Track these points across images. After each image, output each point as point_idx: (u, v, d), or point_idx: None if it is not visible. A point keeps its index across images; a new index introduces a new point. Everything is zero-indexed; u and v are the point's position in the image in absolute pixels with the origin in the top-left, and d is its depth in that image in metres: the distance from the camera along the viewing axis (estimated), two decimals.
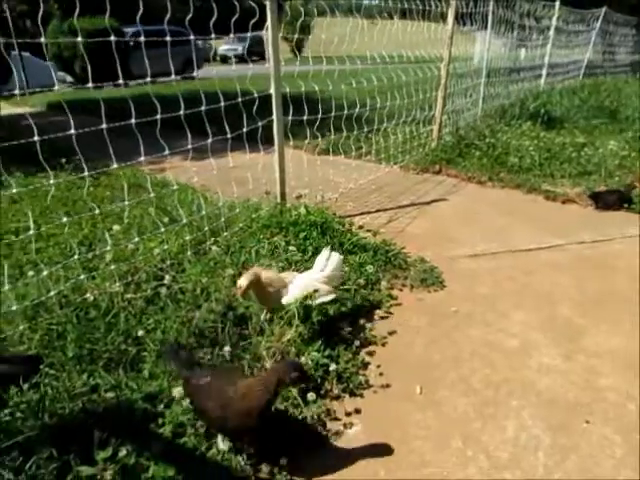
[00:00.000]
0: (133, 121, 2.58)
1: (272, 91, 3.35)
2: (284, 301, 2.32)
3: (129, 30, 16.08)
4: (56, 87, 6.04)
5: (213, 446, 1.69)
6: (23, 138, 2.14)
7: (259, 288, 2.25)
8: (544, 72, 9.10)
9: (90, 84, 2.45)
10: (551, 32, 8.57)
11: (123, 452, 1.60)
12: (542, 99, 7.57)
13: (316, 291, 2.34)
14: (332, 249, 3.10)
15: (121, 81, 2.61)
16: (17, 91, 2.54)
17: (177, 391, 1.87)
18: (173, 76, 3.20)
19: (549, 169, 5.00)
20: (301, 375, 1.61)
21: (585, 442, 1.86)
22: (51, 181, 2.41)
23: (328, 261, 2.43)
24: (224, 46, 27.74)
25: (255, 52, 22.72)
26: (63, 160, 5.36)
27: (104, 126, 2.49)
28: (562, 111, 7.21)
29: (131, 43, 13.97)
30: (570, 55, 10.67)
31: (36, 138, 2.22)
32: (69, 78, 18.20)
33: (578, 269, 3.20)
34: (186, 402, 1.83)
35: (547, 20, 8.44)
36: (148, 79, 3.00)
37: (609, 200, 4.14)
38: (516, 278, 3.10)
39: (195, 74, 15.61)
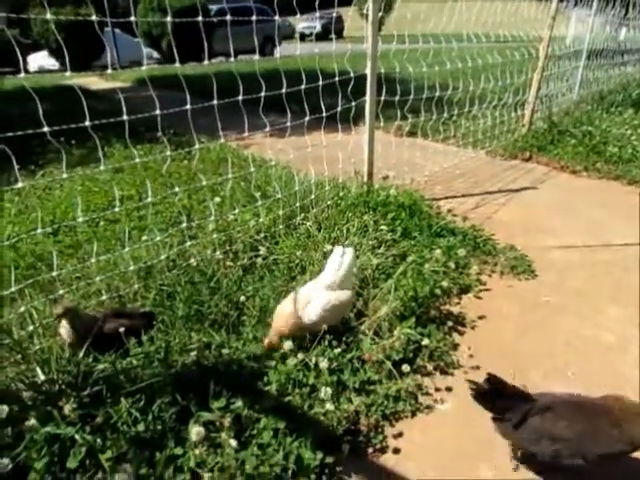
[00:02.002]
0: (240, 98, 2.68)
1: (368, 71, 3.36)
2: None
3: (214, 7, 16.53)
4: (144, 63, 6.34)
5: (315, 405, 1.82)
6: (119, 111, 2.25)
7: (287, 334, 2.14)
8: None
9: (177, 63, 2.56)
10: None
11: (236, 404, 1.76)
12: None
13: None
14: (420, 231, 3.16)
15: (206, 60, 2.70)
16: (109, 67, 2.70)
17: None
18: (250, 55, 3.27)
19: None
20: None
21: None
22: (167, 153, 2.61)
23: (343, 258, 2.16)
24: (302, 24, 27.79)
25: (333, 30, 22.57)
26: (158, 134, 5.72)
27: (215, 102, 2.61)
28: None
29: (215, 20, 14.35)
30: None
31: (158, 114, 2.40)
32: (156, 54, 19.05)
33: None
34: (293, 361, 1.96)
35: None
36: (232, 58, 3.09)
37: None
38: (613, 273, 2.97)
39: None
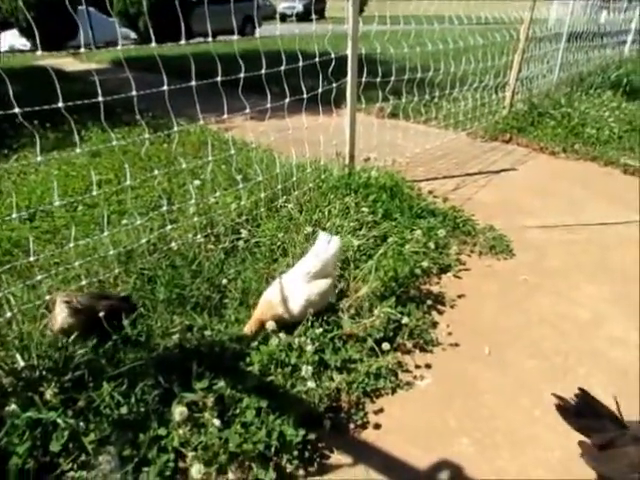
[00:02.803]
0: (219, 79, 2.61)
1: (348, 52, 3.33)
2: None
3: None
4: (120, 44, 6.19)
5: (297, 384, 1.84)
6: (95, 93, 2.17)
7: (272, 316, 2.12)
8: (630, 38, 8.42)
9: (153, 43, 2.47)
10: None
11: (219, 384, 1.77)
12: (626, 68, 7.07)
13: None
14: (401, 212, 3.18)
15: (184, 41, 2.61)
16: (82, 47, 2.60)
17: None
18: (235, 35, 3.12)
19: (629, 142, 4.74)
20: None
21: None
22: (146, 136, 2.56)
23: (329, 244, 2.18)
24: (283, 4, 27.32)
25: (314, 10, 22.29)
26: (136, 117, 5.60)
27: (193, 83, 2.55)
28: None
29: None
30: None
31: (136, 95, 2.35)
32: (133, 35, 18.54)
33: None
34: (275, 341, 1.98)
35: None
36: (210, 38, 2.98)
37: None
38: (590, 252, 3.05)
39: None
